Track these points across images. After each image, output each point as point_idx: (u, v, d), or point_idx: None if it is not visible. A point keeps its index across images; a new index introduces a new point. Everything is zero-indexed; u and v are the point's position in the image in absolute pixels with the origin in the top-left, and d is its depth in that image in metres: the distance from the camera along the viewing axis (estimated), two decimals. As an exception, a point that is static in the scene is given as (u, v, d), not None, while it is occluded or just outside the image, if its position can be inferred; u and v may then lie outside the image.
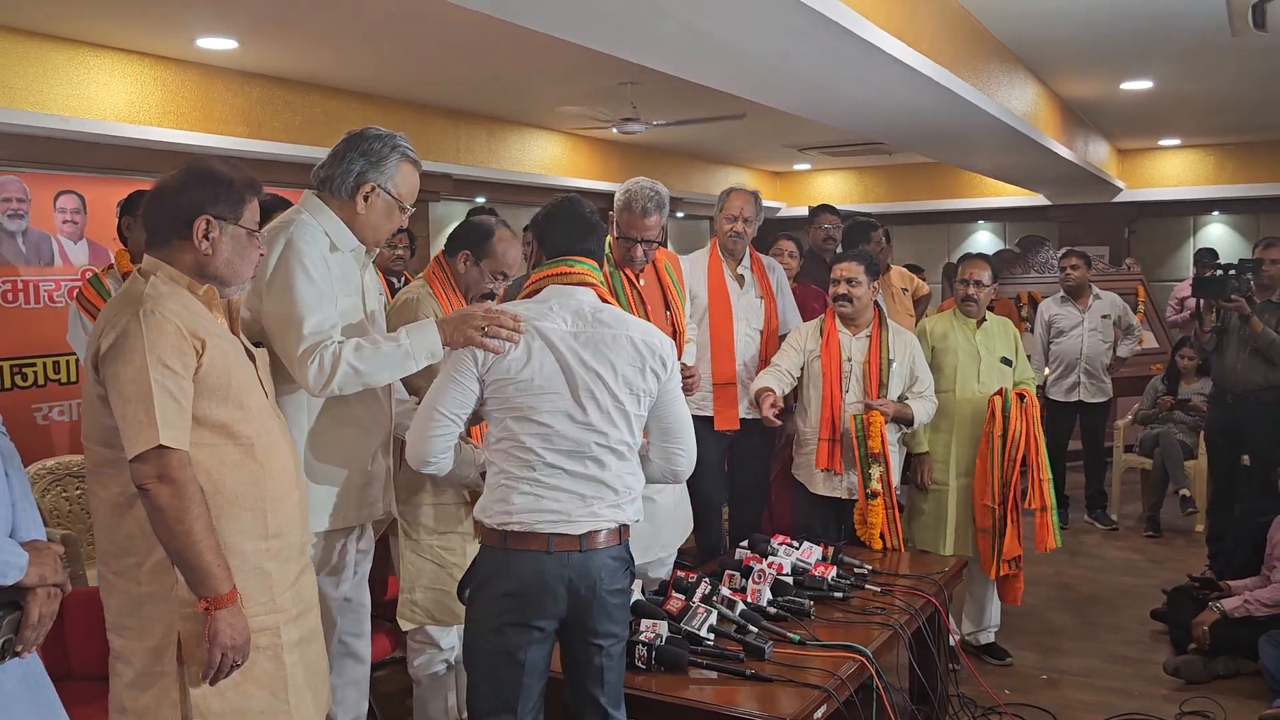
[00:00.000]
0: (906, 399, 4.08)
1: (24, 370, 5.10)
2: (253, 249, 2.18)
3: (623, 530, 2.43)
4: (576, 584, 2.33)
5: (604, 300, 2.53)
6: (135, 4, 4.64)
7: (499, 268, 3.08)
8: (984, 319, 4.37)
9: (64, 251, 5.36)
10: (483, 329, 2.39)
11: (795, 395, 4.18)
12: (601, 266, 2.60)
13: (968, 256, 4.47)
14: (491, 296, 3.10)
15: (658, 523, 3.53)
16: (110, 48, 5.35)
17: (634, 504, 2.46)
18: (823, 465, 3.97)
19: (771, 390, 3.85)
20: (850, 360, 4.03)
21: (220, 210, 2.10)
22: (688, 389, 3.58)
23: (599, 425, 2.38)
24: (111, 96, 5.36)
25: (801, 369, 4.09)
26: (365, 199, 2.60)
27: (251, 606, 2.10)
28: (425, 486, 2.99)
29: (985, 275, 4.34)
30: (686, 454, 2.62)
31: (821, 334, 4.09)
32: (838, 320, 4.08)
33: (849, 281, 4.03)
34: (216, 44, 5.36)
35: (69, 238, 5.39)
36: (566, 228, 2.55)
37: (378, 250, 2.76)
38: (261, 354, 2.29)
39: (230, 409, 2.08)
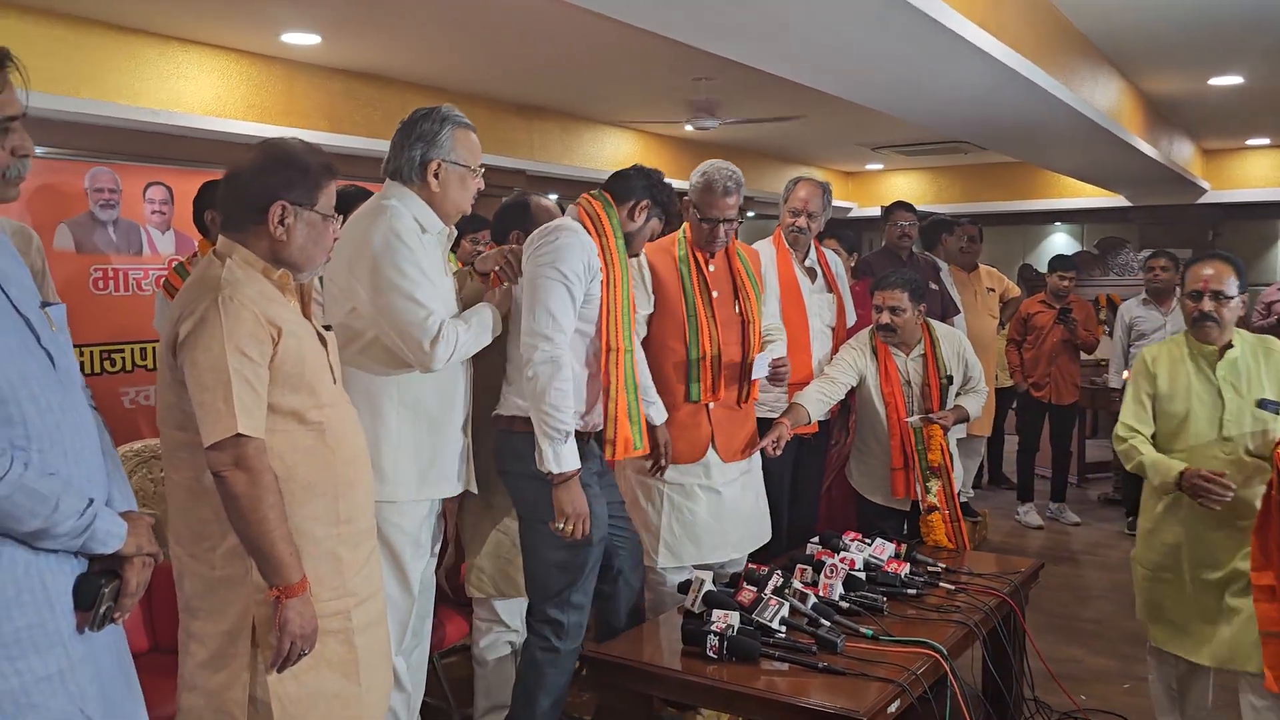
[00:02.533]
0: (959, 395, 4.02)
1: (113, 356, 5.23)
2: (327, 235, 2.17)
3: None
4: None
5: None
6: (223, 0, 4.75)
7: None
8: (1229, 344, 3.10)
9: (152, 241, 5.49)
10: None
11: (849, 406, 4.12)
12: None
13: (1197, 257, 3.18)
14: None
15: (725, 520, 3.48)
16: (198, 43, 5.46)
17: None
18: (900, 495, 3.91)
19: (785, 423, 3.66)
20: (909, 384, 3.95)
21: (296, 196, 2.09)
22: (779, 378, 3.54)
23: None
24: (199, 91, 5.48)
25: (853, 388, 3.99)
26: (436, 176, 2.68)
27: (324, 591, 2.10)
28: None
29: (1229, 281, 3.05)
30: None
31: (876, 357, 3.96)
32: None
33: (892, 310, 3.92)
34: (300, 39, 5.45)
35: (157, 228, 5.52)
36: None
37: (456, 233, 2.80)
38: (331, 337, 2.30)
39: (303, 396, 2.08)
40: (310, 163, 2.13)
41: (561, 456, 2.74)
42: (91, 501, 1.70)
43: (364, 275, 2.56)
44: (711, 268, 3.54)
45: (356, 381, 2.58)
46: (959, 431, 4.54)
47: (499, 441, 2.95)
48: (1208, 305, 3.04)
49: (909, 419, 3.88)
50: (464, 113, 2.77)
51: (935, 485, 3.83)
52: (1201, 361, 3.10)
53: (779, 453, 3.61)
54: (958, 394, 4.03)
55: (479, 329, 2.73)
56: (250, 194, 2.09)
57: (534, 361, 2.73)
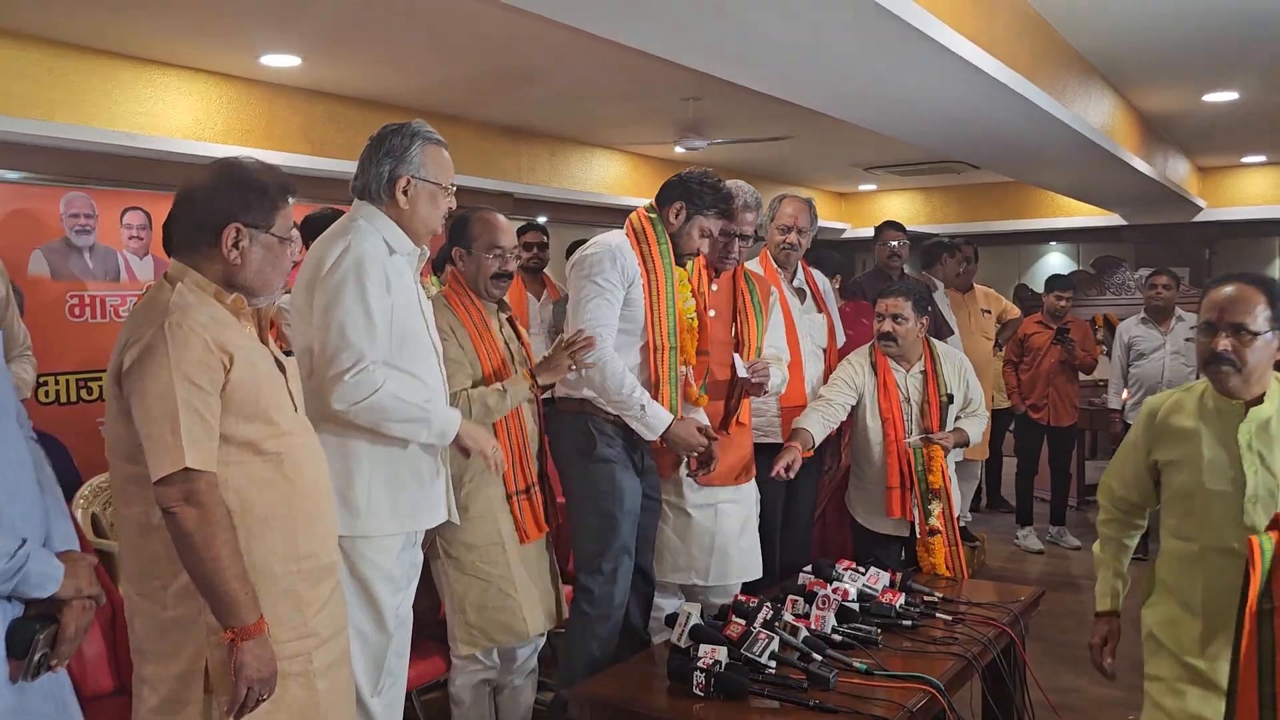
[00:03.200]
0: (959, 419, 3.91)
1: (89, 384, 5.13)
2: (284, 258, 2.08)
3: None
4: None
5: None
6: (201, 22, 4.67)
7: (491, 243, 3.05)
8: (1260, 398, 2.31)
9: (130, 267, 5.41)
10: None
11: (841, 430, 4.01)
12: None
13: (1221, 278, 2.35)
14: (507, 276, 3.08)
15: (693, 544, 3.41)
16: (177, 65, 5.39)
17: None
18: (895, 515, 3.80)
19: (796, 446, 3.58)
20: (908, 401, 3.86)
21: (252, 218, 2.00)
22: (757, 384, 3.42)
23: None
24: (177, 114, 5.40)
25: (852, 407, 3.90)
26: (405, 193, 2.59)
27: (283, 632, 2.00)
28: (458, 504, 2.91)
29: (1258, 310, 2.26)
30: None
31: (875, 373, 3.87)
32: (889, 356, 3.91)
33: (895, 318, 3.84)
34: (280, 61, 5.38)
35: (135, 253, 5.43)
36: None
37: (428, 254, 2.71)
38: (292, 364, 2.20)
39: (259, 425, 1.98)
40: (266, 183, 2.04)
41: (650, 425, 3.08)
42: (24, 542, 1.60)
43: (317, 298, 2.46)
44: (714, 286, 3.49)
45: (325, 410, 2.48)
46: (955, 455, 4.43)
47: (549, 419, 3.22)
48: (1224, 343, 2.26)
49: (909, 439, 3.78)
50: (450, 135, 2.71)
51: (936, 508, 3.74)
52: (1219, 420, 2.33)
53: (791, 475, 3.53)
54: (957, 417, 3.93)
55: (408, 416, 2.50)
56: (203, 216, 2.00)
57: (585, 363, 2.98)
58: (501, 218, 3.10)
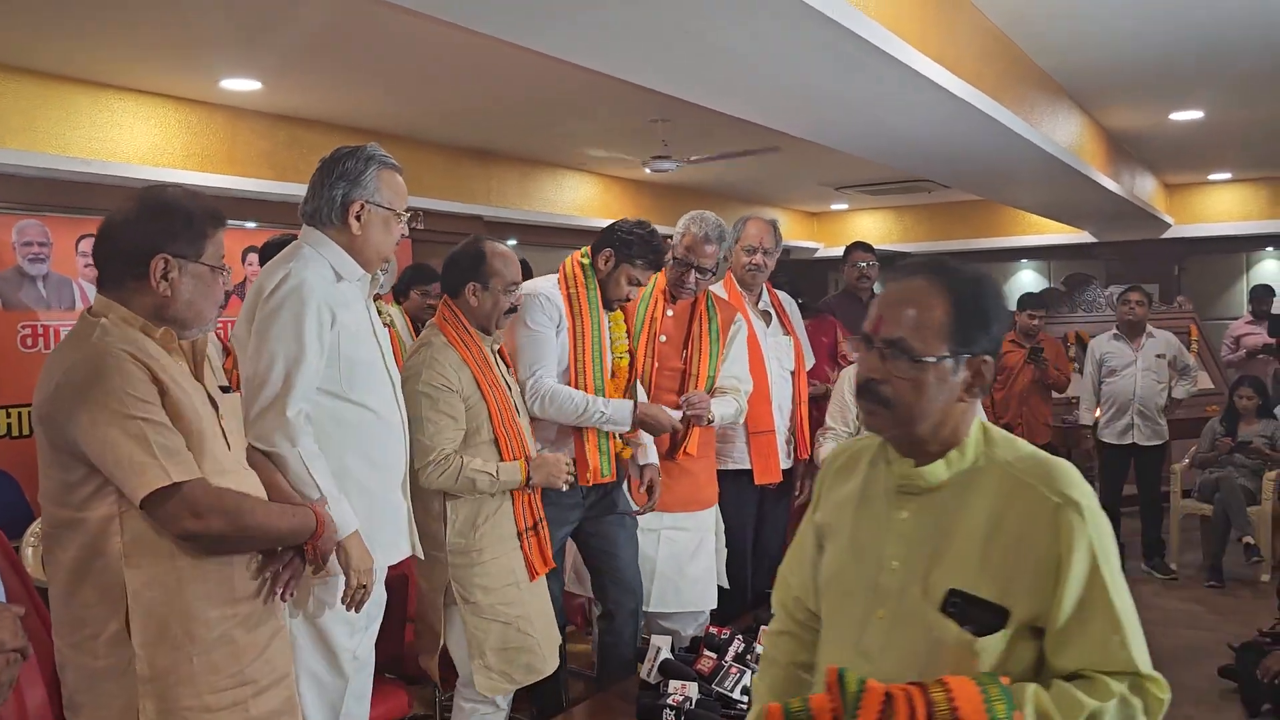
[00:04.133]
0: None
1: (44, 416, 5.03)
2: (216, 288, 2.00)
3: None
4: None
5: None
6: (159, 46, 4.61)
7: (509, 280, 2.97)
8: (944, 454, 1.55)
9: (85, 296, 5.31)
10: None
11: (812, 456, 3.98)
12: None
13: (902, 268, 1.61)
14: (514, 309, 3.03)
15: (645, 571, 3.36)
16: (134, 90, 5.32)
17: None
18: None
19: None
20: None
21: (179, 248, 1.93)
22: (695, 416, 3.39)
23: None
24: (135, 139, 5.32)
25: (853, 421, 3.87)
26: (357, 218, 2.50)
27: (218, 680, 1.91)
28: (473, 546, 2.84)
29: (930, 323, 1.50)
30: None
31: None
32: None
33: None
34: (241, 85, 5.32)
35: (91, 282, 5.34)
36: None
37: (381, 279, 2.64)
38: (230, 400, 2.12)
39: (195, 460, 1.91)
40: (193, 210, 1.96)
41: (618, 420, 3.17)
42: None
43: (255, 329, 2.39)
44: (670, 313, 3.47)
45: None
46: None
47: None
48: (873, 366, 1.52)
49: None
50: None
51: None
52: (880, 480, 1.59)
53: None
54: None
55: (311, 470, 2.35)
56: (128, 248, 1.92)
57: (534, 398, 3.08)
58: (512, 253, 3.06)
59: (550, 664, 2.96)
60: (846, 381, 3.96)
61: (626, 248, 3.22)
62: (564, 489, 2.97)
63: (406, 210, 2.61)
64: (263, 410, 2.31)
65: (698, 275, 3.44)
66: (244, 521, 1.92)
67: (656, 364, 3.47)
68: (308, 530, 2.07)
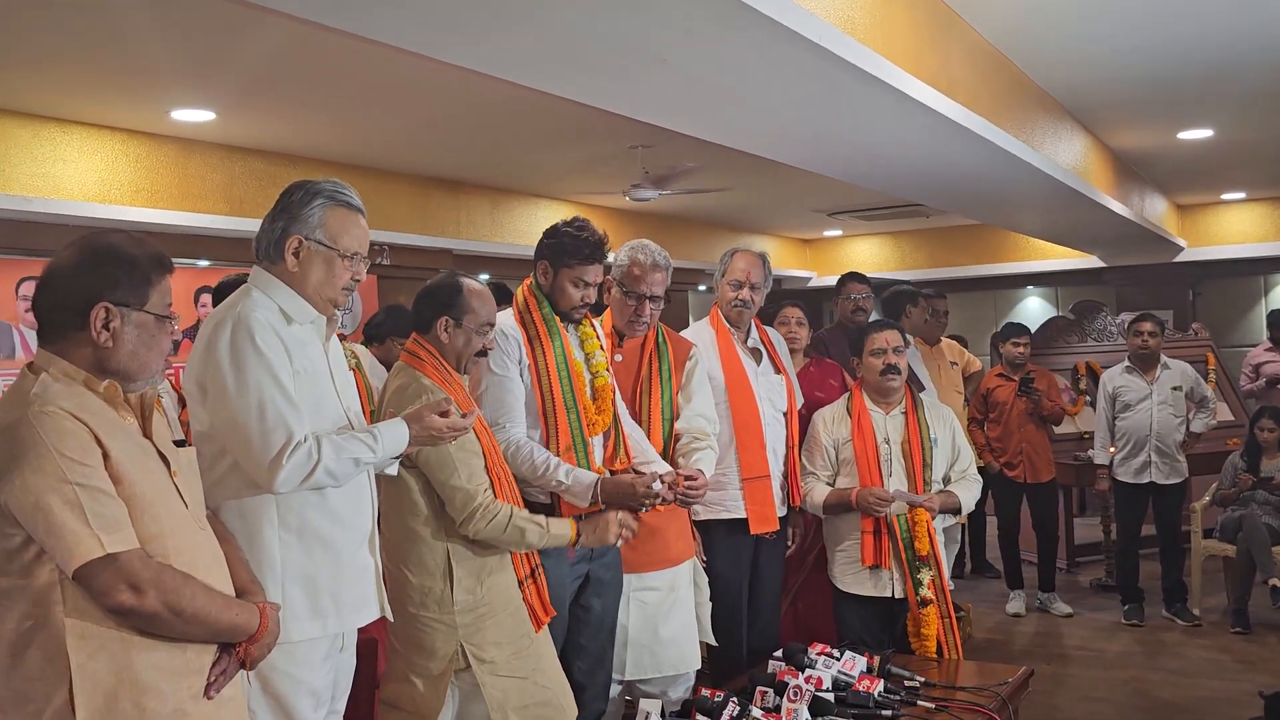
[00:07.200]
0: (950, 479, 3.92)
1: (-18, 473, 5.00)
2: (163, 337, 2.01)
3: None
4: None
5: None
6: (105, 77, 4.64)
7: (484, 318, 2.97)
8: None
9: (26, 343, 5.29)
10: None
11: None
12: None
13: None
14: (485, 353, 3.04)
15: (618, 639, 3.35)
16: (79, 123, 5.35)
17: None
18: (869, 561, 3.76)
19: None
20: (888, 442, 3.86)
21: (121, 296, 1.94)
22: (688, 499, 3.33)
23: None
24: (80, 174, 5.34)
25: (834, 461, 3.91)
26: (295, 255, 2.47)
27: None
28: (481, 602, 2.84)
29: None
30: None
31: (850, 414, 3.91)
32: (867, 398, 3.92)
33: (896, 350, 3.91)
34: (193, 116, 5.35)
35: (31, 328, 5.32)
36: None
37: (341, 318, 2.64)
38: (186, 454, 2.12)
39: (141, 525, 1.90)
40: (136, 256, 1.97)
41: (577, 492, 3.07)
42: None
43: (207, 380, 2.39)
44: (619, 357, 3.46)
45: (228, 502, 2.39)
46: (944, 520, 4.40)
47: None
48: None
49: (890, 506, 3.75)
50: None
51: (926, 576, 3.72)
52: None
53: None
54: (946, 477, 3.93)
55: (358, 447, 2.44)
56: (66, 297, 1.93)
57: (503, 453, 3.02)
58: (488, 291, 3.07)
59: (570, 715, 2.95)
60: (820, 423, 3.99)
61: (557, 250, 3.20)
62: (619, 545, 3.03)
63: (374, 248, 2.61)
64: (276, 458, 2.33)
65: (651, 306, 3.43)
66: (181, 604, 1.89)
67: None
68: (248, 630, 2.04)
